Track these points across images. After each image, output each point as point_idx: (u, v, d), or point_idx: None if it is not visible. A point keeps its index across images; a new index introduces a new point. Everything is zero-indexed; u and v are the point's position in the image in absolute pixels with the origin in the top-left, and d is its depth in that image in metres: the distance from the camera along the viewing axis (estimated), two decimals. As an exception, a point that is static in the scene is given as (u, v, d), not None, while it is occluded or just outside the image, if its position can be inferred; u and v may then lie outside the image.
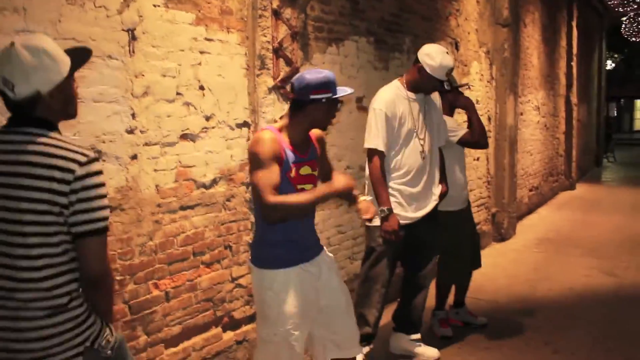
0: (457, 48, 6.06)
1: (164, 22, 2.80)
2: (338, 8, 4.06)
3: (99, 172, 1.69)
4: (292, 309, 2.48)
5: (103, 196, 1.70)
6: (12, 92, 1.65)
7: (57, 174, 1.62)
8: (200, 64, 3.01)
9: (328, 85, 2.47)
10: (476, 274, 4.46)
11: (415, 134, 3.51)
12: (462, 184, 4.11)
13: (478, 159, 6.68)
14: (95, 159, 1.69)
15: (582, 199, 10.54)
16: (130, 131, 2.67)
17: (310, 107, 2.46)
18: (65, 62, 1.71)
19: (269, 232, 2.52)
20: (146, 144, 2.75)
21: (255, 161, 2.38)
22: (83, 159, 1.65)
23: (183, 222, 2.96)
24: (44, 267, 1.65)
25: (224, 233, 3.21)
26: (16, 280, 1.65)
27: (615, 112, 36.22)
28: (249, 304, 3.36)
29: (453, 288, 4.36)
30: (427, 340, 3.90)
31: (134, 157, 2.70)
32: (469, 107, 4.05)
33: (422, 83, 3.51)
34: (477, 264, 4.33)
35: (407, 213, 3.51)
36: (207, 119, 3.07)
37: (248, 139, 3.33)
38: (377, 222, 3.39)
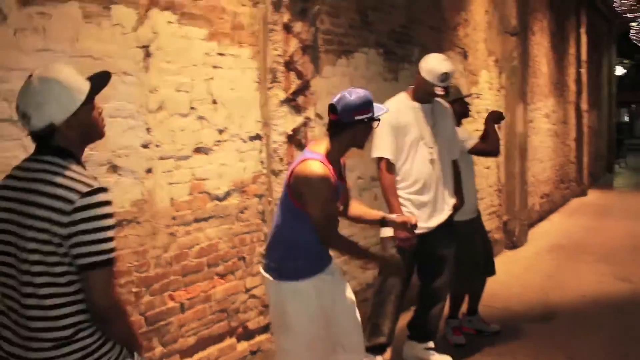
0: (466, 57, 6.10)
1: (177, 38, 2.87)
2: (347, 21, 4.12)
3: (104, 203, 1.64)
4: (314, 318, 2.54)
5: (107, 228, 1.64)
6: (29, 124, 1.68)
7: (57, 204, 1.61)
8: (213, 78, 3.06)
9: (368, 105, 2.52)
10: (489, 282, 4.46)
11: (422, 142, 3.53)
12: (472, 193, 4.13)
13: (489, 167, 6.70)
14: (100, 190, 1.64)
15: (594, 205, 10.50)
16: (146, 145, 2.73)
17: (352, 128, 2.52)
18: (81, 89, 1.70)
19: (293, 246, 2.57)
20: (161, 158, 2.81)
21: (319, 197, 2.44)
22: (85, 189, 1.62)
23: (197, 234, 3.01)
24: (48, 297, 1.64)
25: (237, 245, 3.25)
26: (26, 308, 1.66)
27: (627, 117, 36.01)
28: (263, 314, 3.39)
29: (467, 296, 4.37)
30: (440, 348, 3.90)
31: (149, 170, 2.75)
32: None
33: (418, 88, 3.56)
34: (491, 271, 4.34)
35: (419, 223, 3.51)
36: (220, 132, 3.12)
37: (260, 152, 3.38)
38: (390, 232, 3.41)
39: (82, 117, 1.71)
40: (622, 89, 21.96)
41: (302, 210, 2.50)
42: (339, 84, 4.02)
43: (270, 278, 2.61)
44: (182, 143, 2.91)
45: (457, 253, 3.97)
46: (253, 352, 3.37)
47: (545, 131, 9.24)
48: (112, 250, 1.66)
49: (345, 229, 4.14)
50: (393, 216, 2.85)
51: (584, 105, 11.53)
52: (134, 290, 2.68)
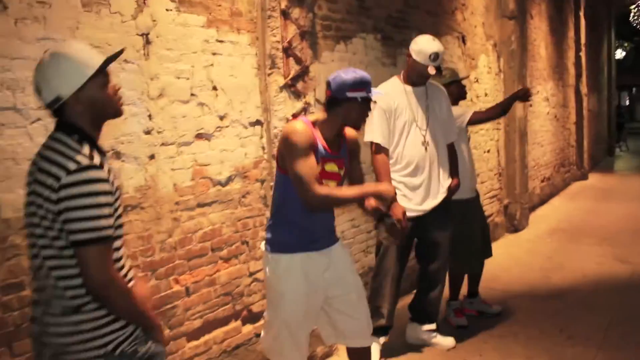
0: (464, 42, 6.11)
1: (176, 25, 2.89)
2: (345, 6, 4.14)
3: (93, 181, 1.62)
4: (292, 294, 2.55)
5: (96, 205, 1.62)
6: (40, 97, 1.72)
7: (48, 181, 1.63)
8: (212, 65, 3.10)
9: (363, 85, 2.55)
10: (490, 264, 4.51)
11: (415, 125, 3.55)
12: (469, 173, 4.15)
13: (489, 151, 6.72)
14: (89, 167, 1.63)
15: (595, 188, 10.53)
16: (148, 132, 2.77)
17: (345, 105, 2.55)
18: (89, 64, 1.70)
19: (280, 217, 2.61)
20: (163, 144, 2.85)
21: (294, 151, 2.43)
22: (73, 166, 1.61)
23: (201, 219, 3.05)
24: (55, 268, 1.68)
25: (240, 229, 3.30)
26: (44, 278, 1.73)
27: (627, 101, 35.91)
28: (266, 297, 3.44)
29: (465, 278, 4.41)
30: (442, 330, 3.96)
31: (152, 157, 2.79)
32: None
33: (411, 70, 3.58)
34: (487, 253, 4.38)
35: (413, 205, 3.54)
36: (221, 118, 3.16)
37: (261, 137, 3.41)
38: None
39: (91, 92, 1.71)
40: (622, 72, 21.89)
41: (285, 176, 2.53)
42: (337, 69, 4.04)
43: (263, 249, 2.67)
44: (183, 129, 2.94)
45: (455, 233, 4.02)
46: (258, 335, 3.41)
47: (545, 115, 9.25)
48: (103, 227, 1.64)
49: (349, 212, 4.20)
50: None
51: (584, 89, 11.52)
52: (140, 274, 2.73)
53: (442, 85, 3.94)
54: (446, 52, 5.68)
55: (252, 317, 3.40)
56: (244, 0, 3.29)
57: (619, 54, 22.01)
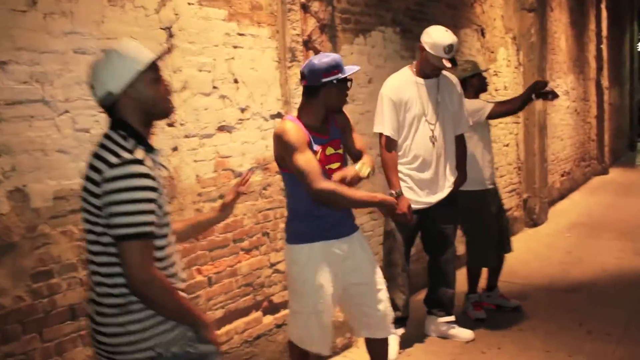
0: (483, 35, 6.08)
1: (198, 19, 2.94)
2: (364, -1, 4.15)
3: (136, 175, 1.61)
4: (316, 282, 2.62)
5: (136, 200, 1.61)
6: (94, 94, 1.74)
7: (93, 175, 1.66)
8: (233, 58, 3.14)
9: (336, 67, 2.59)
10: (509, 258, 4.50)
11: (424, 119, 3.53)
12: (486, 164, 4.14)
13: (508, 144, 6.69)
14: (132, 162, 1.62)
15: (616, 183, 10.40)
16: (171, 124, 2.81)
17: (322, 90, 2.59)
18: (138, 60, 1.71)
19: (297, 209, 2.68)
20: (186, 136, 2.90)
21: (290, 150, 2.51)
22: (115, 160, 1.62)
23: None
24: (103, 265, 1.69)
25: (261, 220, 3.34)
26: (91, 274, 1.75)
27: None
28: (287, 288, 3.48)
29: (485, 272, 4.41)
30: (461, 323, 3.98)
31: (175, 149, 2.84)
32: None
33: (424, 63, 3.55)
34: (507, 248, 4.36)
35: (419, 198, 3.55)
36: (242, 110, 3.20)
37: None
38: None
39: (141, 88, 1.71)
40: (645, 66, 21.49)
41: (290, 174, 2.59)
42: (356, 63, 4.05)
43: (285, 243, 2.75)
44: (205, 122, 2.99)
45: (468, 224, 4.05)
46: (278, 326, 3.47)
47: (565, 109, 9.16)
48: (144, 223, 1.62)
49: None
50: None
51: (605, 82, 11.37)
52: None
53: (456, 77, 3.95)
54: (465, 45, 5.67)
55: (273, 308, 3.44)
56: (265, -6, 3.33)
57: (642, 46, 21.62)
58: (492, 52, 6.30)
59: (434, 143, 3.56)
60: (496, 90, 6.31)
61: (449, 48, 3.45)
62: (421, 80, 3.58)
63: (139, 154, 1.68)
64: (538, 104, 7.17)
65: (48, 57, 2.32)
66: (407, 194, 3.48)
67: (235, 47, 3.14)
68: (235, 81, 3.15)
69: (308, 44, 3.51)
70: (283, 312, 3.48)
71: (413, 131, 3.53)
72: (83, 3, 2.44)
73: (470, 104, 4.14)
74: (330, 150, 2.66)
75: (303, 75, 2.65)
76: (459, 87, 3.77)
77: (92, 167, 1.67)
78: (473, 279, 4.33)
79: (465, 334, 3.89)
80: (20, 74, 2.23)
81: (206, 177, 3.01)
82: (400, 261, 3.64)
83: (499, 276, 4.45)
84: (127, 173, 1.61)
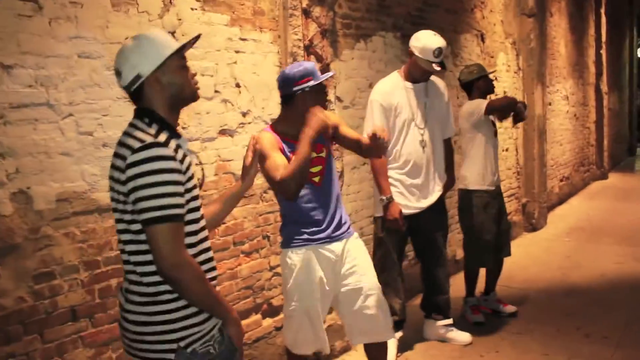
0: (483, 40, 6.12)
1: (201, 24, 2.97)
2: (365, 5, 4.18)
3: (158, 158, 1.58)
4: (307, 285, 2.65)
5: (161, 183, 1.57)
6: (121, 79, 1.72)
7: (117, 162, 1.65)
8: (235, 62, 3.17)
9: (308, 74, 2.59)
10: (508, 263, 4.52)
11: (413, 124, 3.55)
12: (481, 164, 4.14)
13: (507, 149, 6.72)
14: (153, 145, 1.59)
15: (615, 188, 10.43)
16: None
17: (297, 98, 2.60)
18: (167, 45, 1.71)
19: (286, 217, 2.72)
20: (188, 140, 2.91)
21: (260, 158, 2.42)
22: (137, 145, 1.60)
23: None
24: (132, 253, 1.67)
25: (262, 223, 3.37)
26: (123, 263, 1.75)
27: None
28: (286, 291, 3.51)
29: (483, 275, 4.42)
30: (459, 326, 4.00)
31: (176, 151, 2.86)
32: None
33: (413, 68, 3.54)
34: (506, 252, 4.38)
35: (409, 203, 3.57)
36: (244, 115, 3.23)
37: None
38: (380, 212, 3.50)
39: (170, 72, 1.71)
40: (644, 71, 21.54)
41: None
42: (357, 67, 4.10)
43: (280, 247, 2.78)
44: (207, 125, 3.02)
45: (465, 223, 4.08)
46: (277, 329, 3.49)
47: (565, 113, 9.20)
48: (172, 205, 1.58)
49: (368, 209, 4.24)
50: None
51: (604, 87, 11.42)
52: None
53: (463, 79, 3.97)
54: (465, 50, 5.71)
55: (272, 311, 3.46)
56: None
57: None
58: (492, 57, 6.33)
59: (424, 147, 3.58)
60: (495, 95, 6.33)
61: (438, 52, 3.45)
62: (410, 85, 3.59)
63: (162, 137, 1.66)
64: (538, 108, 7.21)
65: (53, 61, 2.34)
66: (398, 199, 3.49)
67: (237, 51, 3.17)
68: (237, 85, 3.18)
69: (309, 49, 3.54)
70: (282, 315, 3.50)
71: (403, 136, 3.54)
72: (88, 8, 2.46)
73: (468, 105, 4.20)
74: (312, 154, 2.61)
75: (278, 86, 2.67)
76: (446, 92, 3.79)
77: (117, 155, 1.67)
78: (471, 282, 4.35)
79: (463, 337, 3.91)
80: (25, 77, 2.25)
81: (207, 180, 3.03)
82: (394, 266, 3.64)
83: (497, 280, 4.47)
84: (150, 156, 1.58)
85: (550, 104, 8.17)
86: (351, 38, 4.05)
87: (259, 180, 3.34)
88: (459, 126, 4.26)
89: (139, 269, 1.67)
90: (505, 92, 6.59)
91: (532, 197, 7.24)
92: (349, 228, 2.80)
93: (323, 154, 2.71)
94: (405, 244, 3.77)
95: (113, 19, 2.57)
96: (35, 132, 2.30)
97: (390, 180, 3.49)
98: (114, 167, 1.68)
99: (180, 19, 2.86)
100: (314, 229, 2.67)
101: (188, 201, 1.68)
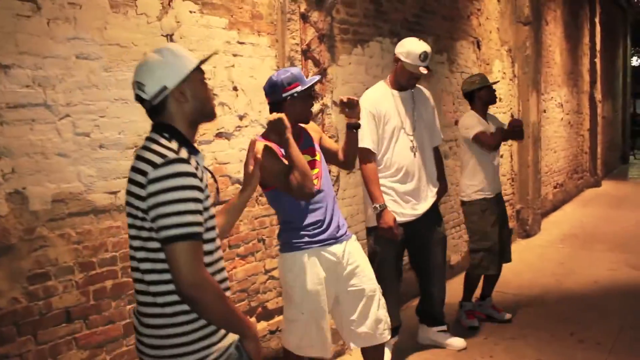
0: (479, 47, 6.15)
1: (199, 27, 2.97)
2: (362, 10, 4.20)
3: (180, 174, 1.56)
4: (312, 288, 2.65)
5: (182, 200, 1.55)
6: (144, 92, 1.69)
7: (138, 178, 1.60)
8: (233, 66, 3.17)
9: (296, 79, 2.61)
10: (502, 269, 4.52)
11: (403, 131, 3.54)
12: (481, 171, 4.18)
13: (502, 155, 6.74)
14: (176, 161, 1.57)
15: (608, 195, 10.48)
16: (170, 130, 2.84)
17: (286, 104, 2.60)
18: (190, 59, 1.72)
19: (290, 217, 2.70)
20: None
21: (263, 167, 2.41)
22: (159, 160, 1.57)
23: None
24: (147, 272, 1.64)
25: (257, 227, 3.37)
26: (134, 281, 1.70)
27: (643, 109, 35.51)
28: (281, 295, 3.50)
29: (480, 280, 4.44)
30: (453, 331, 4.01)
31: (174, 154, 2.86)
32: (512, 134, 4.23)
33: (400, 74, 3.53)
34: (507, 257, 4.40)
35: (404, 210, 3.55)
36: (241, 118, 3.23)
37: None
38: (374, 222, 3.46)
39: (194, 85, 1.72)
40: (638, 80, 21.70)
41: (271, 192, 2.66)
42: (354, 72, 4.12)
43: (279, 252, 2.78)
44: (204, 128, 3.02)
45: (470, 231, 4.10)
46: (272, 332, 3.48)
47: (559, 121, 9.25)
48: (193, 223, 1.56)
49: (362, 213, 4.25)
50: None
51: (598, 95, 11.49)
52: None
53: (464, 90, 3.98)
54: (461, 57, 5.74)
55: (267, 314, 3.46)
56: (265, 3, 3.37)
57: (635, 61, 21.82)
58: (488, 64, 6.37)
59: (414, 153, 3.57)
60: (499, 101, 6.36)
61: (424, 55, 3.46)
62: (396, 93, 3.58)
63: (183, 153, 1.64)
64: (533, 115, 7.25)
65: (51, 62, 2.35)
66: (392, 207, 3.47)
67: (235, 55, 3.18)
68: (235, 89, 3.19)
69: (307, 54, 3.55)
70: (277, 319, 3.50)
71: (393, 143, 3.52)
72: (86, 9, 2.47)
73: (464, 118, 4.24)
74: (305, 157, 2.64)
75: (265, 93, 2.67)
76: (431, 100, 3.80)
77: (135, 170, 1.63)
78: (470, 287, 4.35)
79: (457, 342, 3.91)
80: (22, 77, 2.26)
81: (204, 183, 3.03)
82: (391, 275, 3.60)
83: (494, 286, 4.48)
84: (173, 172, 1.56)
85: (544, 111, 8.22)
86: (349, 43, 4.07)
87: (255, 184, 3.35)
88: (459, 136, 4.29)
89: (153, 288, 1.63)
90: (500, 99, 6.62)
91: (526, 204, 7.26)
92: (346, 230, 2.81)
93: (318, 157, 2.74)
94: (402, 253, 3.73)
95: (111, 20, 2.57)
96: (32, 132, 2.30)
97: (383, 188, 3.46)
98: (132, 182, 1.64)
99: (178, 22, 2.86)
100: (314, 231, 2.68)
101: (206, 220, 1.66)
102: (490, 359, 3.77)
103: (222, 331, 1.68)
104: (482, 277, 4.40)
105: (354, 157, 2.93)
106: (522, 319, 4.42)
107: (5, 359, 2.22)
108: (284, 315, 2.83)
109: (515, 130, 4.24)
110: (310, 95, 2.69)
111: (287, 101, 2.60)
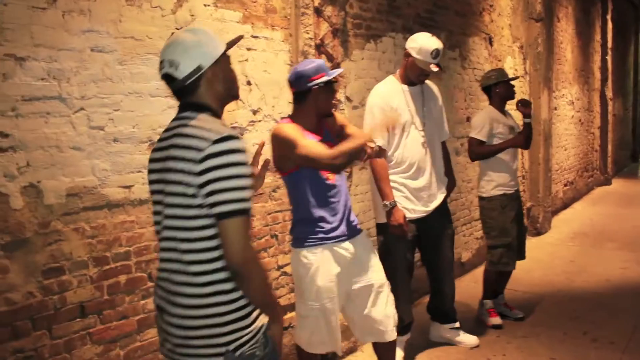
0: (491, 43, 6.10)
1: (213, 20, 2.95)
2: (375, 5, 4.17)
3: (235, 151, 1.58)
4: (325, 283, 2.63)
5: (239, 176, 1.57)
6: (177, 70, 1.68)
7: (190, 154, 1.58)
8: (247, 60, 3.15)
9: (322, 70, 2.63)
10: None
11: (413, 126, 3.50)
12: (500, 167, 4.16)
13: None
14: (230, 137, 1.58)
15: (618, 194, 10.41)
16: (184, 124, 2.82)
17: (311, 95, 2.62)
18: (221, 41, 1.76)
19: (299, 215, 2.69)
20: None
21: (289, 141, 2.52)
22: (215, 136, 1.57)
23: None
24: (187, 252, 1.62)
25: (270, 222, 3.35)
26: (169, 262, 1.68)
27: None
28: (294, 291, 3.48)
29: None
30: (466, 328, 3.98)
31: (187, 149, 2.85)
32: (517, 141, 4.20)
33: (410, 69, 3.48)
34: (521, 255, 4.38)
35: (416, 207, 3.51)
36: (254, 112, 3.21)
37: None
38: (384, 219, 3.42)
39: (224, 67, 1.76)
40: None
41: (289, 176, 2.64)
42: (367, 68, 4.08)
43: (291, 247, 2.76)
44: (217, 123, 2.99)
45: (488, 228, 4.07)
46: (284, 328, 3.46)
47: (570, 118, 9.18)
48: (246, 199, 1.58)
49: (356, 203, 4.21)
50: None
51: (609, 93, 11.41)
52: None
53: (480, 85, 3.94)
54: (473, 53, 5.70)
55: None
56: (278, -3, 3.34)
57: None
58: (500, 61, 6.32)
59: (425, 149, 3.53)
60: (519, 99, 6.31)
61: (436, 53, 3.41)
62: (406, 87, 3.53)
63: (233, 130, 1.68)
64: (544, 112, 7.19)
65: (65, 55, 2.33)
66: (404, 203, 3.43)
67: (248, 49, 3.16)
68: (248, 83, 3.17)
69: (320, 48, 3.52)
70: (289, 315, 3.48)
71: (404, 139, 3.48)
72: (101, 2, 2.45)
73: (476, 116, 4.22)
74: None
75: (290, 83, 2.68)
76: (440, 95, 3.76)
77: (181, 147, 1.62)
78: (489, 284, 4.32)
79: (470, 339, 3.89)
80: (38, 70, 2.24)
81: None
82: (401, 270, 3.57)
83: (507, 284, 4.44)
84: (231, 148, 1.57)
85: (555, 108, 8.15)
86: (361, 38, 4.04)
87: (268, 179, 3.32)
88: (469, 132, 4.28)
89: (194, 268, 1.62)
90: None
91: (536, 201, 7.22)
92: (357, 226, 2.80)
93: None
94: (413, 249, 3.70)
95: (126, 13, 2.55)
96: (46, 125, 2.28)
97: (394, 185, 3.42)
98: (174, 158, 1.63)
99: (193, 15, 2.84)
100: (329, 227, 2.67)
101: None
102: (503, 357, 3.74)
103: (254, 315, 1.68)
104: (497, 273, 4.36)
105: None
106: (534, 317, 4.39)
107: (20, 353, 2.22)
108: (296, 311, 2.82)
109: (524, 124, 4.21)
110: (333, 87, 2.70)
111: (313, 91, 2.61)
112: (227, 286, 1.63)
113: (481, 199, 4.29)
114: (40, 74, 2.25)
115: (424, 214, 3.55)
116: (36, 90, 2.24)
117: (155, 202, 1.76)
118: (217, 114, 1.74)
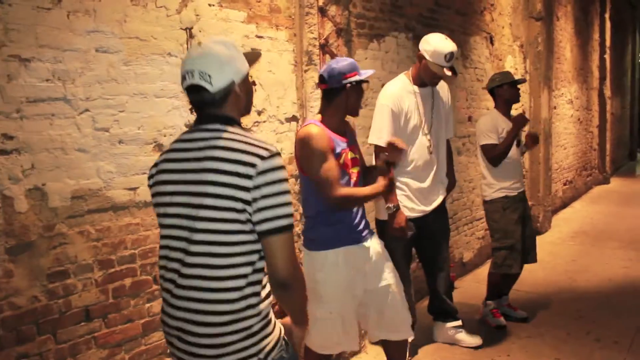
0: (491, 42, 6.09)
1: (218, 20, 2.92)
2: (378, 5, 4.15)
3: (282, 167, 1.62)
4: (343, 286, 2.64)
5: (286, 192, 1.62)
6: (209, 83, 1.66)
7: (240, 169, 1.58)
8: (251, 60, 3.12)
9: (355, 68, 2.64)
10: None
11: (421, 130, 3.47)
12: (505, 170, 4.13)
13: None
14: (277, 154, 1.63)
15: (617, 192, 10.43)
16: (189, 125, 2.79)
17: (344, 92, 2.63)
18: (244, 57, 1.77)
19: (315, 216, 2.68)
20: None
21: (314, 156, 2.53)
22: (266, 153, 1.60)
23: None
24: (223, 267, 1.61)
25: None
26: (201, 279, 1.63)
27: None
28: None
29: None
30: (469, 328, 3.96)
31: (192, 150, 2.82)
32: (516, 123, 4.09)
33: (423, 72, 3.43)
34: (532, 258, 4.35)
35: (416, 206, 3.51)
36: (259, 113, 3.18)
37: (297, 133, 3.43)
38: (384, 217, 3.39)
39: (247, 82, 1.78)
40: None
41: (307, 178, 2.63)
42: (370, 67, 4.06)
43: (305, 249, 2.73)
44: (222, 124, 2.97)
45: (493, 229, 4.06)
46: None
47: (569, 117, 9.18)
48: (292, 215, 1.63)
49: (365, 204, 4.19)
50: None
51: (608, 92, 11.42)
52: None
53: (486, 87, 3.92)
54: (474, 52, 5.68)
55: (284, 313, 3.41)
56: (282, -3, 3.32)
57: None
58: (500, 60, 6.30)
59: (430, 153, 3.52)
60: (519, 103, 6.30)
61: (450, 56, 3.34)
62: (417, 89, 3.49)
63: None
64: (544, 111, 7.19)
65: (70, 55, 2.30)
66: (404, 202, 3.43)
67: (253, 49, 3.12)
68: (253, 83, 3.14)
69: (324, 48, 3.50)
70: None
71: (412, 141, 3.45)
72: (106, 2, 2.42)
73: (481, 121, 4.19)
74: (351, 154, 2.69)
75: (323, 79, 2.66)
76: (450, 95, 3.73)
77: (228, 160, 1.60)
78: (493, 286, 4.30)
79: (473, 339, 3.88)
80: (42, 71, 2.21)
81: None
82: (402, 269, 3.55)
83: (513, 285, 4.42)
84: (279, 165, 1.62)
85: (555, 107, 8.15)
86: (365, 38, 4.01)
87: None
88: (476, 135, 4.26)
89: (227, 284, 1.60)
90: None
91: (537, 201, 7.21)
92: (370, 227, 2.81)
93: (357, 156, 2.74)
94: (411, 247, 3.71)
95: (131, 13, 2.52)
96: (51, 127, 2.25)
97: (397, 183, 3.41)
98: (222, 172, 1.59)
99: (197, 15, 2.81)
100: (347, 229, 2.67)
101: None
102: (507, 357, 3.73)
103: (273, 320, 1.72)
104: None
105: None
106: (538, 317, 4.38)
107: (25, 358, 2.19)
108: (311, 314, 2.78)
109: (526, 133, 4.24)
110: (362, 88, 2.71)
111: (346, 89, 2.61)
112: (255, 300, 1.64)
113: (484, 202, 4.28)
114: (45, 75, 2.22)
115: (423, 214, 3.55)
116: (41, 92, 2.21)
117: (170, 215, 1.69)
118: (242, 127, 1.74)
